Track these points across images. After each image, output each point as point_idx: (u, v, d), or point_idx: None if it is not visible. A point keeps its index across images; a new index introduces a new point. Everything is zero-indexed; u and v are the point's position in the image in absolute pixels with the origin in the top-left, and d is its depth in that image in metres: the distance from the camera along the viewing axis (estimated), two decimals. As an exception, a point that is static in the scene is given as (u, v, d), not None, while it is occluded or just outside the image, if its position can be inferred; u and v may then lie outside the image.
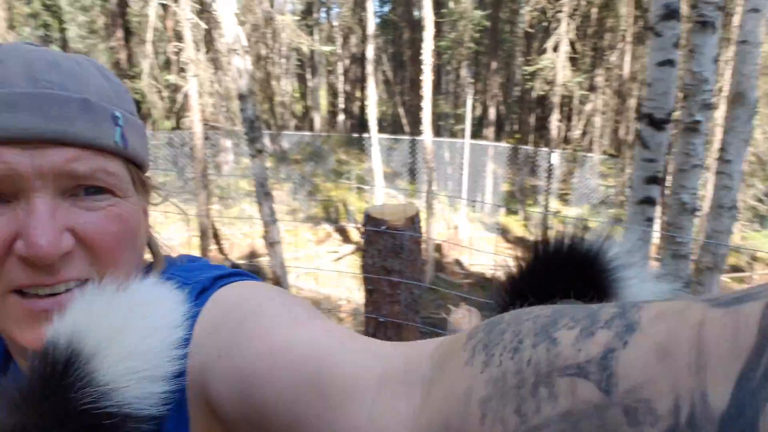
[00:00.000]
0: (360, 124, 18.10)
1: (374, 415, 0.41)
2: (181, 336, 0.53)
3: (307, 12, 14.14)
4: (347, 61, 16.19)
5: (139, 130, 0.64)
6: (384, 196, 11.43)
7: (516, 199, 13.59)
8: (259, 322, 0.53)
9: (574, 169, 13.39)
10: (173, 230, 9.25)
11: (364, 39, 14.74)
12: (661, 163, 3.75)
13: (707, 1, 3.14)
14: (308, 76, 15.87)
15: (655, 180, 3.74)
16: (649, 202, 3.76)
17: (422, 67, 6.61)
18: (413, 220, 1.86)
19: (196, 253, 8.30)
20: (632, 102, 12.98)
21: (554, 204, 12.79)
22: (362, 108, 18.43)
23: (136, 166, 0.63)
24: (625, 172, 12.83)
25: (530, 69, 10.62)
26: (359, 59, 16.26)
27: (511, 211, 13.03)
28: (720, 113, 8.13)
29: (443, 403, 0.36)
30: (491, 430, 0.31)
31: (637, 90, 12.62)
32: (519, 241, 11.42)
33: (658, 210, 4.75)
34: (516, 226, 12.37)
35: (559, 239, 1.19)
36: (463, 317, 3.64)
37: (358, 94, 17.41)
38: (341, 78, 15.75)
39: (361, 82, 16.28)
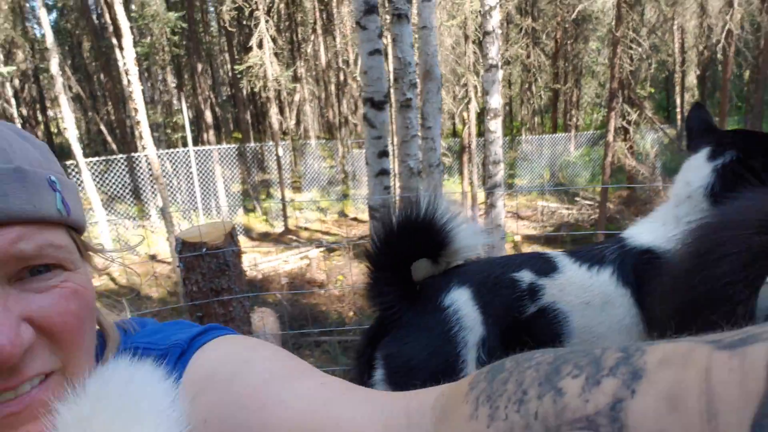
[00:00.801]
0: (50, 150, 15.33)
1: None
2: (181, 412, 0.50)
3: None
4: (17, 81, 13.46)
5: (74, 191, 0.57)
6: (107, 225, 10.17)
7: (251, 196, 13.66)
8: (248, 380, 0.50)
9: (298, 157, 14.12)
10: None
11: (34, 54, 12.47)
12: (387, 139, 4.33)
13: (400, -3, 3.71)
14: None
15: (385, 153, 4.31)
16: (384, 173, 4.32)
17: (129, 77, 6.02)
18: (232, 235, 1.82)
19: None
20: (332, 88, 14.26)
21: (288, 193, 13.30)
22: (49, 132, 15.62)
23: (77, 231, 0.56)
24: (340, 152, 14.09)
25: (240, 67, 10.66)
26: (33, 76, 13.70)
27: (248, 210, 13.07)
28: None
29: None
30: None
31: (334, 77, 13.92)
32: (263, 237, 11.59)
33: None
34: (256, 222, 12.48)
35: (401, 211, 1.40)
36: (260, 320, 3.69)
37: (40, 117, 14.61)
38: (13, 101, 13.03)
39: (40, 103, 13.78)
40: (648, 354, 0.28)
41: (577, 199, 12.94)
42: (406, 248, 1.44)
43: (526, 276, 1.47)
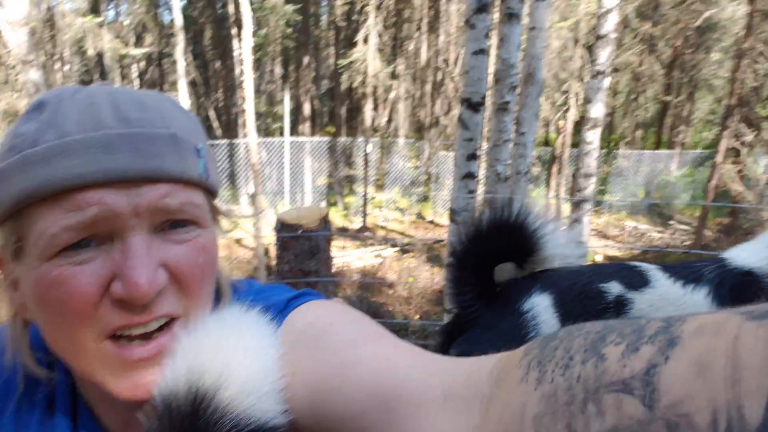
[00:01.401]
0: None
1: (436, 430, 0.43)
2: (278, 355, 0.56)
3: (93, 9, 12.54)
4: (143, 63, 14.79)
5: (213, 160, 0.64)
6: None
7: (334, 191, 14.03)
8: (332, 339, 0.56)
9: (385, 155, 14.31)
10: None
11: (161, 37, 13.63)
12: (478, 142, 4.29)
13: (512, -3, 3.66)
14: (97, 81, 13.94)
15: (474, 156, 4.26)
16: (471, 176, 4.27)
17: (243, 66, 6.42)
18: (326, 221, 1.91)
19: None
20: (428, 87, 14.30)
21: (371, 191, 13.50)
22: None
23: (212, 195, 0.64)
24: (426, 153, 14.10)
25: (344, 62, 10.97)
26: (156, 60, 15.00)
27: (330, 203, 13.44)
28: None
29: (499, 420, 0.37)
30: None
31: (431, 76, 13.95)
32: (341, 231, 11.83)
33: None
34: (336, 216, 12.78)
35: (492, 212, 1.40)
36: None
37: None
38: (136, 82, 14.35)
39: (160, 85, 15.05)
40: (686, 324, 0.30)
41: (672, 222, 12.06)
42: (494, 249, 1.44)
43: (614, 288, 1.42)
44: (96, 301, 0.53)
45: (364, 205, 11.95)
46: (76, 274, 0.52)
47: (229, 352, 0.51)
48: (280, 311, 0.63)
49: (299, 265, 1.81)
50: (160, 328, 0.56)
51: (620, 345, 0.31)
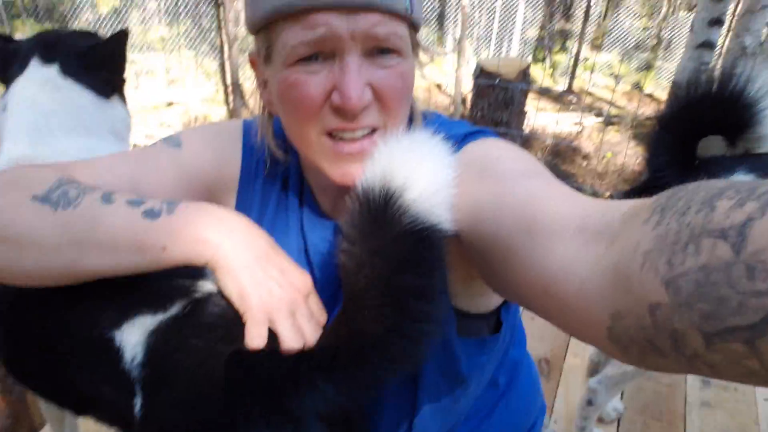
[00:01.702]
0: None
1: (567, 254, 0.49)
2: (452, 176, 0.62)
3: None
4: None
5: None
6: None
7: (544, 45, 12.95)
8: (495, 171, 0.65)
9: (611, 9, 12.54)
10: (193, 85, 9.08)
11: None
12: (728, 4, 3.62)
13: None
14: None
15: (719, 22, 3.64)
16: (709, 45, 3.69)
17: None
18: (525, 74, 1.95)
19: (223, 108, 8.26)
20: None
21: (585, 50, 12.20)
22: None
23: (414, 29, 0.71)
24: (662, 12, 12.04)
25: None
26: None
27: (537, 59, 12.51)
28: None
29: (618, 252, 0.42)
30: (646, 275, 0.38)
31: None
32: (543, 91, 11.13)
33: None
34: (542, 74, 11.96)
35: (707, 79, 1.31)
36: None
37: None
38: None
39: None
40: None
41: None
42: (703, 117, 1.34)
43: None
44: (320, 105, 0.66)
45: (574, 65, 10.95)
46: (307, 81, 0.65)
47: (416, 164, 0.58)
48: (458, 141, 0.73)
49: (491, 113, 1.90)
50: (365, 136, 0.69)
51: (731, 200, 0.35)
